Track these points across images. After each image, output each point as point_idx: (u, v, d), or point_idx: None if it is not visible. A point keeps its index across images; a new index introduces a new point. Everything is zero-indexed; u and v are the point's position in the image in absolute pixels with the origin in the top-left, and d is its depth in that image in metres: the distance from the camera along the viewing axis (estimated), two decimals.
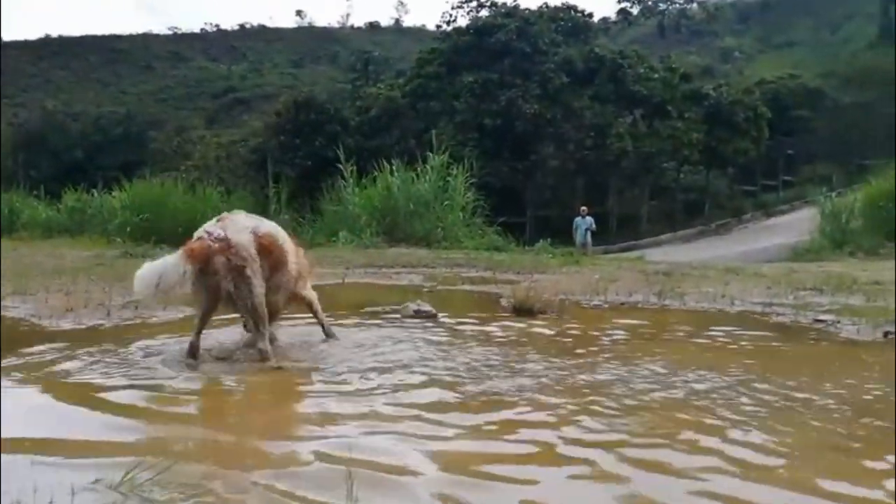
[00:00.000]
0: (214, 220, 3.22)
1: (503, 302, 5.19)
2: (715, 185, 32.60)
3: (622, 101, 27.64)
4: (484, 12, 32.42)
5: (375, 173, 16.46)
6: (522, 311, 4.69)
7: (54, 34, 78.95)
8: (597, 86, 27.40)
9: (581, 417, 2.26)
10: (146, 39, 78.45)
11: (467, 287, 6.54)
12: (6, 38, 76.52)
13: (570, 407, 2.38)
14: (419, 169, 16.32)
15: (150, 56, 74.02)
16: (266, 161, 26.31)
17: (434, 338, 3.67)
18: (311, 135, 26.20)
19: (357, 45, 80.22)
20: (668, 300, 5.39)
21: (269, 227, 3.25)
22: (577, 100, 26.34)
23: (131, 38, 78.22)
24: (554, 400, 2.48)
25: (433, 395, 2.56)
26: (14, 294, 5.04)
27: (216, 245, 2.95)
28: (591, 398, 2.51)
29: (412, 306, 4.53)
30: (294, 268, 3.29)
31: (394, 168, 16.25)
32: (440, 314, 4.46)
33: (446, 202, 15.71)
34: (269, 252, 3.09)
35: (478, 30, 28.39)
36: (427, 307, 4.51)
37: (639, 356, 3.21)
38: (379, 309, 4.69)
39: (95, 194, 19.07)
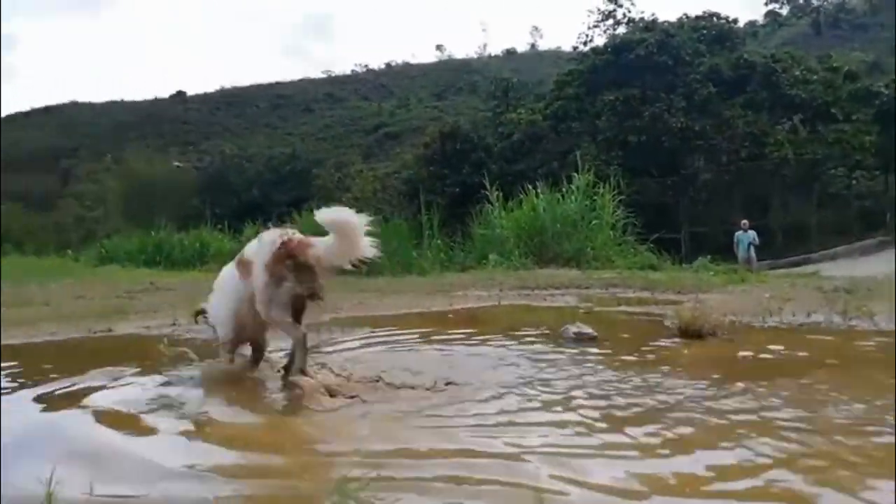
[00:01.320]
0: (255, 240, 3.36)
1: (667, 323, 5.07)
2: (886, 190, 29.19)
3: (777, 108, 25.81)
4: (621, 29, 31.91)
5: (521, 196, 16.72)
6: (689, 333, 4.55)
7: (228, 85, 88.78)
8: (748, 93, 25.85)
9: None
10: (304, 84, 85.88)
11: (625, 308, 6.48)
12: (191, 92, 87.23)
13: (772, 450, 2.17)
14: (564, 190, 16.35)
15: (309, 99, 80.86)
16: (418, 191, 27.59)
17: (598, 361, 3.70)
18: (457, 163, 27.12)
19: (495, 72, 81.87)
20: (855, 320, 4.99)
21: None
22: (728, 109, 24.96)
23: (292, 84, 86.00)
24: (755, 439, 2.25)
25: (612, 418, 2.58)
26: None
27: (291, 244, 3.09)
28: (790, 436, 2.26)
29: (571, 328, 4.57)
30: None
31: (538, 190, 16.42)
32: (600, 337, 4.48)
33: (594, 221, 15.55)
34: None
35: (616, 47, 28.02)
36: (587, 329, 4.54)
37: (824, 388, 2.97)
38: (536, 331, 4.79)
39: (271, 227, 21.03)
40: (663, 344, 4.27)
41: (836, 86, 25.54)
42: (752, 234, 19.17)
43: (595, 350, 4.11)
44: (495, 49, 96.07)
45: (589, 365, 3.55)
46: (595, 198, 15.85)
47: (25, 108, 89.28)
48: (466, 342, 4.35)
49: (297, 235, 3.24)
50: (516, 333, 4.64)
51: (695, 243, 24.82)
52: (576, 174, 16.11)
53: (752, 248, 19.05)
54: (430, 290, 8.65)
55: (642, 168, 25.62)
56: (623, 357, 3.77)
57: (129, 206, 42.83)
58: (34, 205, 50.23)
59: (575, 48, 36.22)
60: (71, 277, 13.67)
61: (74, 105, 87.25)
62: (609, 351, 4.00)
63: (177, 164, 46.59)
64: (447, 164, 27.63)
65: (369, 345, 4.41)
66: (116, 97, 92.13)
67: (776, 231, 26.01)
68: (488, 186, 16.99)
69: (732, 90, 25.84)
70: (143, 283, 11.11)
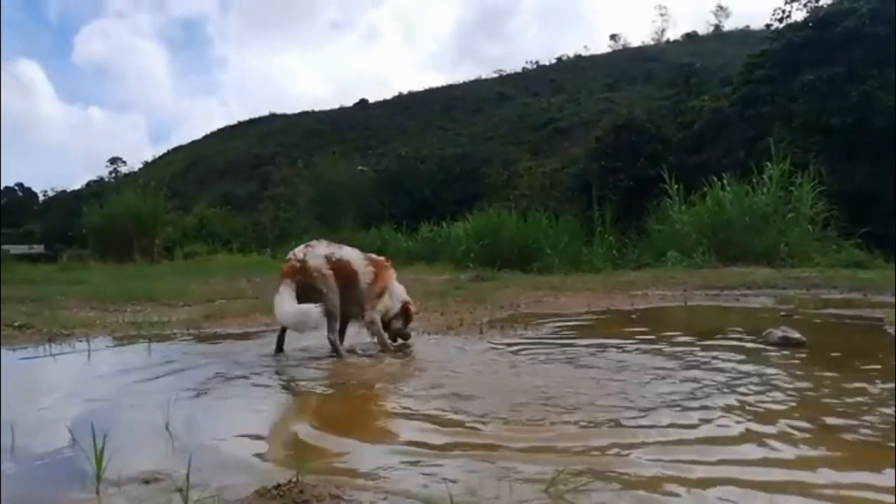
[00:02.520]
0: (303, 245, 4.06)
1: (888, 329, 4.47)
2: None
3: None
4: (824, 1, 28.43)
5: (704, 189, 15.63)
6: None
7: (405, 91, 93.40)
8: None
9: None
10: (475, 85, 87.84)
11: (833, 310, 5.79)
12: (372, 99, 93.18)
13: None
14: (754, 181, 15.01)
15: (479, 100, 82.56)
16: (588, 186, 26.96)
17: (812, 371, 3.31)
18: (631, 156, 26.05)
19: (674, 58, 77.57)
20: None
21: (343, 253, 4.04)
22: None
23: (463, 86, 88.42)
24: None
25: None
26: None
27: (298, 265, 3.86)
28: None
29: (777, 332, 4.17)
30: (366, 288, 4.05)
31: (724, 182, 15.23)
32: (810, 342, 4.04)
33: (790, 214, 14.10)
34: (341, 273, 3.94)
35: (819, 21, 25.03)
36: (795, 333, 4.12)
37: None
38: (736, 335, 4.42)
39: (444, 225, 21.80)
40: (883, 351, 3.74)
41: None
42: None
43: (802, 353, 3.72)
44: (674, 34, 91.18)
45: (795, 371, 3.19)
46: (791, 189, 14.40)
47: (232, 121, 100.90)
48: (663, 346, 4.12)
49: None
50: (709, 342, 4.31)
51: None
52: (768, 164, 14.73)
53: None
54: (608, 289, 8.39)
55: (847, 154, 22.77)
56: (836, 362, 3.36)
57: (318, 207, 46.47)
58: (237, 207, 56.37)
59: (768, 26, 32.92)
60: (271, 272, 15.16)
61: (272, 116, 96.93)
62: (817, 358, 3.58)
63: (360, 168, 49.70)
64: (620, 158, 26.63)
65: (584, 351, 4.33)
66: (307, 107, 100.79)
67: None
68: (666, 179, 16.10)
69: None
70: None
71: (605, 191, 25.61)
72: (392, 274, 4.39)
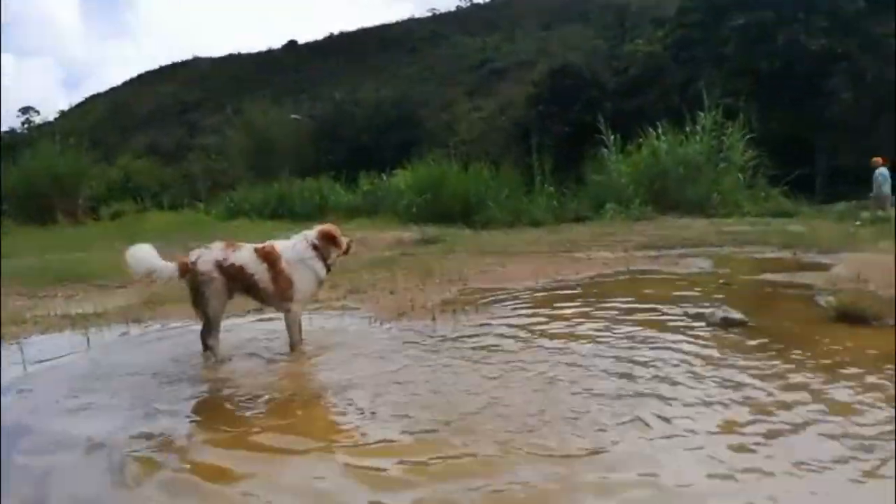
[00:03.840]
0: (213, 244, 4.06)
1: (821, 302, 4.69)
2: None
3: None
4: None
5: (640, 139, 15.88)
6: (849, 316, 4.19)
7: (336, 31, 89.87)
8: None
9: None
10: (410, 24, 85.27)
11: (767, 277, 6.05)
12: (301, 41, 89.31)
13: None
14: (688, 129, 15.36)
15: (413, 39, 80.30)
16: (527, 132, 26.94)
17: (758, 361, 3.43)
18: (568, 102, 26.08)
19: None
20: None
21: (236, 257, 3.97)
22: (879, 25, 22.02)
23: (398, 25, 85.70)
24: None
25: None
26: (351, 293, 5.99)
27: (189, 265, 3.90)
28: None
29: (718, 313, 4.31)
30: (267, 287, 4.01)
31: (660, 132, 15.51)
32: (750, 323, 4.20)
33: (722, 165, 14.57)
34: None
35: None
36: (736, 314, 4.25)
37: None
38: (680, 313, 4.56)
39: (384, 177, 21.47)
40: (826, 332, 3.90)
41: None
42: (886, 171, 16.37)
43: (742, 336, 3.87)
44: None
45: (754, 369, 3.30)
46: (723, 137, 14.83)
47: (153, 66, 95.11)
48: (608, 333, 4.21)
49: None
50: (657, 318, 4.44)
51: (832, 180, 22.76)
52: (700, 112, 15.05)
53: (888, 186, 16.23)
54: (552, 251, 8.51)
55: (773, 98, 23.48)
56: (788, 353, 3.48)
57: (250, 157, 44.95)
58: (164, 157, 53.81)
59: None
60: (209, 235, 14.64)
61: (196, 60, 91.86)
62: (760, 342, 3.73)
63: (294, 116, 48.02)
64: (557, 103, 26.63)
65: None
66: (233, 50, 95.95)
67: None
68: (603, 129, 16.24)
69: (885, 4, 22.75)
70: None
71: (542, 137, 25.68)
72: (290, 256, 4.09)
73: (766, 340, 3.80)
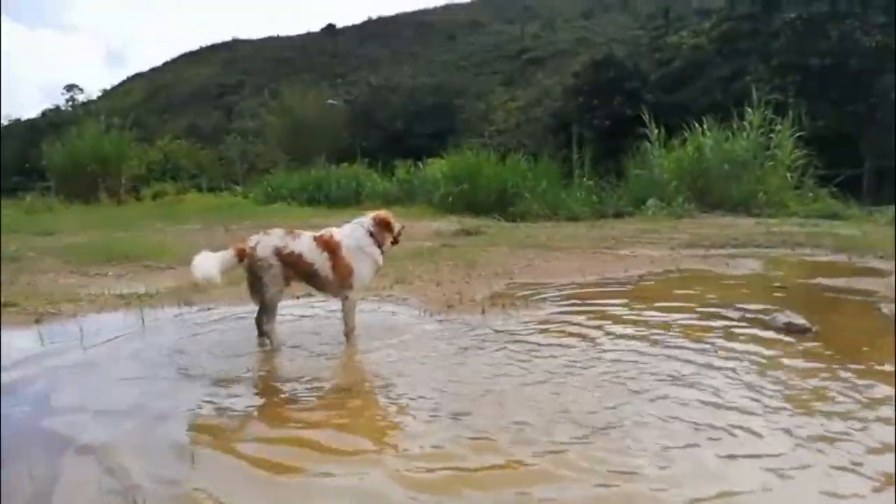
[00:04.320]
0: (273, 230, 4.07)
1: (884, 310, 4.54)
2: None
3: None
4: None
5: (685, 134, 15.54)
6: None
7: (374, 16, 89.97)
8: None
9: None
10: (448, 10, 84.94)
11: (824, 281, 5.87)
12: (340, 24, 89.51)
13: None
14: (735, 125, 14.97)
15: (451, 26, 79.96)
16: (565, 124, 26.61)
17: (830, 371, 3.31)
18: (609, 94, 25.66)
19: None
20: None
21: (295, 245, 3.98)
22: None
23: (436, 11, 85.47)
24: None
25: None
26: (397, 283, 5.99)
27: (248, 251, 3.93)
28: None
29: (781, 317, 4.21)
30: (327, 275, 4.03)
31: (705, 127, 15.14)
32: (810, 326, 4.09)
33: (769, 162, 14.18)
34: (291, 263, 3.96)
35: None
36: (799, 319, 4.15)
37: None
38: (737, 316, 4.45)
39: (420, 166, 21.44)
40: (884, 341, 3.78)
41: None
42: None
43: (810, 344, 3.75)
44: None
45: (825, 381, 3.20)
46: (770, 135, 14.42)
47: (193, 47, 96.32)
48: (666, 336, 4.12)
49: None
50: (716, 322, 4.33)
51: (879, 181, 22.05)
52: (748, 108, 14.64)
53: None
54: (595, 247, 8.40)
55: (822, 95, 22.78)
56: (859, 362, 3.36)
57: (287, 141, 45.32)
58: (203, 139, 54.53)
59: None
60: (250, 218, 14.82)
61: (235, 42, 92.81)
62: (833, 351, 3.61)
63: (330, 101, 48.20)
64: (597, 95, 26.22)
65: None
66: (273, 32, 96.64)
67: None
68: (647, 122, 15.92)
69: None
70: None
71: (581, 129, 25.32)
72: (349, 243, 4.10)
73: (832, 349, 3.69)
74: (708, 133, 14.97)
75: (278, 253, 3.97)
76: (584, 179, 17.35)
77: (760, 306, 4.66)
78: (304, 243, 4.04)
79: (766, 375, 3.24)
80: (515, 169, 17.77)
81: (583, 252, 7.99)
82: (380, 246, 4.24)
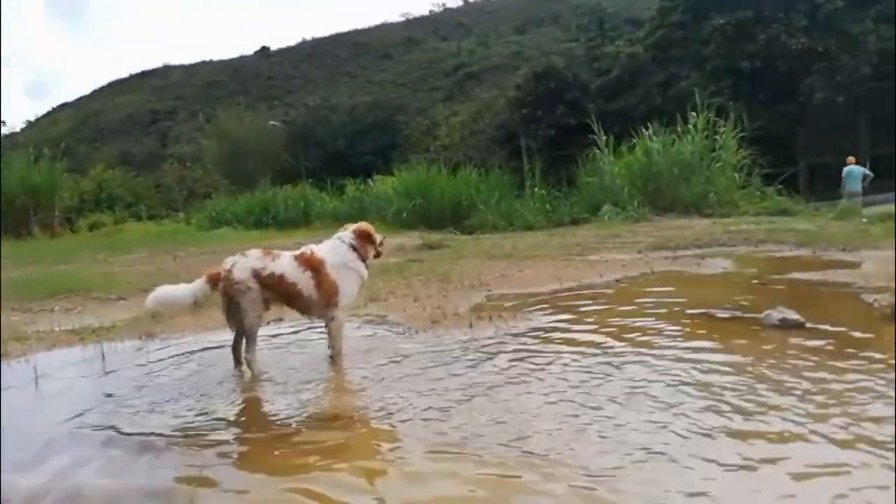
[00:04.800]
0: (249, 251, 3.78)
1: (872, 302, 4.55)
2: None
3: None
4: None
5: (633, 140, 15.82)
6: None
7: (308, 37, 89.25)
8: (880, 4, 23.00)
9: None
10: (382, 30, 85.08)
11: (797, 275, 5.92)
12: (274, 47, 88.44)
13: None
14: (679, 129, 15.34)
15: (387, 45, 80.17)
16: (510, 136, 26.87)
17: (841, 366, 3.23)
18: (551, 104, 26.04)
19: (580, 1, 77.93)
20: None
21: (275, 266, 3.69)
22: (856, 25, 22.39)
23: (370, 31, 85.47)
24: None
25: None
26: (371, 301, 5.71)
27: (223, 274, 3.64)
28: None
29: (775, 314, 4.15)
30: (311, 294, 3.74)
31: (651, 132, 15.46)
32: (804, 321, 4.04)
33: (716, 164, 14.55)
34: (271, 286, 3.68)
35: None
36: (793, 315, 4.10)
37: None
38: (727, 315, 4.39)
39: (371, 182, 21.19)
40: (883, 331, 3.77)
41: None
42: (859, 169, 17.05)
43: (812, 339, 3.70)
44: None
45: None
46: (716, 137, 14.82)
47: (123, 74, 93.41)
48: (665, 340, 4.00)
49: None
50: (711, 322, 4.25)
51: (813, 177, 23.04)
52: (692, 112, 15.03)
53: (860, 184, 16.85)
54: (563, 255, 8.32)
55: (753, 97, 23.72)
56: (864, 354, 3.30)
57: (226, 164, 44.29)
58: (137, 167, 52.73)
59: None
60: (195, 244, 14.21)
61: (167, 68, 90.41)
62: (834, 344, 3.55)
63: (272, 122, 47.39)
64: (540, 106, 26.59)
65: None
66: (204, 57, 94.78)
67: None
68: (596, 129, 16.15)
69: (862, 3, 23.16)
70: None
71: (527, 140, 25.58)
72: (332, 260, 3.83)
73: (833, 342, 3.64)
74: (654, 138, 15.29)
75: (257, 275, 3.67)
76: (536, 189, 17.49)
77: (746, 303, 4.64)
78: (284, 263, 3.75)
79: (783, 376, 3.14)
80: (468, 182, 17.78)
81: (552, 260, 7.89)
82: (363, 260, 3.99)
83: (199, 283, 3.68)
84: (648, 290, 5.75)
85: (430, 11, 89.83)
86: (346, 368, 3.77)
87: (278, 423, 2.99)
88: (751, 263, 6.79)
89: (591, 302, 5.18)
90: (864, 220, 10.02)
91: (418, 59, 76.88)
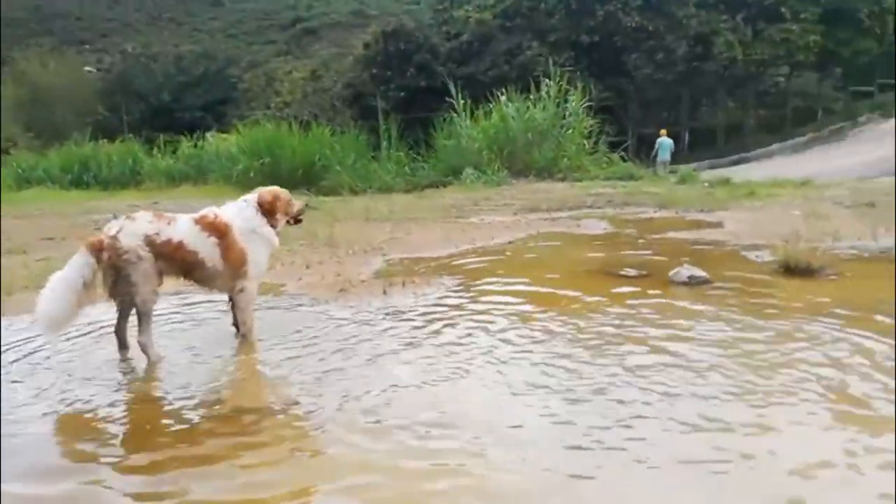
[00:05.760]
0: (138, 214, 3.18)
1: (755, 258, 4.90)
2: (819, 89, 30.16)
3: (729, 7, 25.40)
4: None
5: (484, 105, 15.97)
6: (794, 270, 4.38)
7: None
8: None
9: None
10: None
11: (674, 234, 6.27)
12: None
13: None
14: (532, 96, 15.75)
15: None
16: (358, 95, 26.07)
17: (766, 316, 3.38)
18: (401, 65, 25.61)
19: None
20: None
21: (172, 231, 3.13)
22: (681, 8, 24.45)
23: None
24: None
25: None
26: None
27: (107, 241, 3.02)
28: None
29: (683, 272, 4.31)
30: (215, 265, 3.21)
31: (507, 97, 15.71)
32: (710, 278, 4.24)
33: (568, 130, 15.16)
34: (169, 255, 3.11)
35: None
36: (699, 272, 4.29)
37: None
38: (635, 274, 4.48)
39: (210, 140, 19.50)
40: (793, 286, 4.03)
41: None
42: (669, 140, 20.77)
43: (717, 291, 3.88)
44: None
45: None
46: (566, 105, 15.40)
47: None
48: (592, 302, 3.96)
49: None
50: (627, 281, 4.30)
51: (640, 145, 25.02)
52: (546, 80, 15.46)
53: (669, 153, 20.63)
54: (443, 217, 8.16)
55: (592, 70, 25.10)
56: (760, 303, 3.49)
57: (26, 114, 38.73)
58: None
59: None
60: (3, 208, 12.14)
61: None
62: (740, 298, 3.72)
63: (88, 69, 42.03)
64: (390, 67, 26.04)
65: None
66: None
67: (718, 131, 26.57)
68: (454, 93, 16.08)
69: None
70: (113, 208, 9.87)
71: (374, 100, 24.97)
72: (240, 224, 3.30)
73: (747, 297, 3.83)
74: (510, 104, 15.56)
75: (150, 243, 3.05)
76: (392, 151, 17.17)
77: (647, 263, 4.78)
78: (182, 228, 3.16)
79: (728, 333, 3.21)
80: (321, 141, 16.96)
81: (434, 223, 7.70)
82: (274, 227, 3.49)
83: (81, 258, 3.00)
84: (545, 251, 5.78)
85: None
86: (261, 349, 3.29)
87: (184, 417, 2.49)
88: (626, 224, 7.09)
89: (495, 266, 5.06)
90: (706, 184, 10.94)
91: (253, 9, 71.78)
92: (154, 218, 3.14)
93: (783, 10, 24.64)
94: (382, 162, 16.90)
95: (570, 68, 21.17)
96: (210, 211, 3.30)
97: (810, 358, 2.80)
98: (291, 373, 2.92)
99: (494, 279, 4.53)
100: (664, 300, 3.80)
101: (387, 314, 3.75)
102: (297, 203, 3.67)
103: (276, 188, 3.62)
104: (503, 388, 2.60)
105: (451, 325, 3.46)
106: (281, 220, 3.55)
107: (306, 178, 15.90)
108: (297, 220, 3.69)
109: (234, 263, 3.26)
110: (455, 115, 16.24)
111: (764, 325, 3.27)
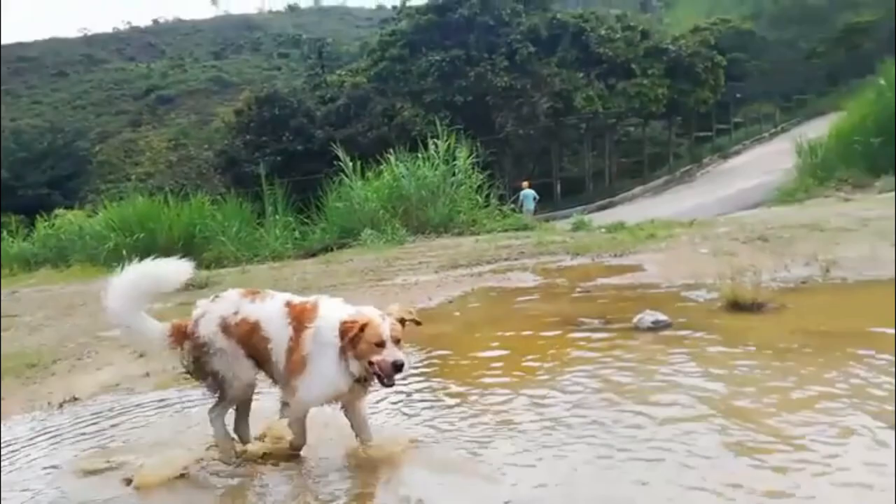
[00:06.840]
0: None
1: (697, 297, 5.10)
2: (668, 136, 33.54)
3: (587, 65, 27.75)
4: None
5: (374, 165, 16.01)
6: (740, 306, 4.59)
7: None
8: (561, 52, 27.43)
9: None
10: (54, 45, 73.46)
11: (604, 281, 6.42)
12: None
13: None
14: (420, 155, 16.00)
15: (61, 62, 69.44)
16: (232, 161, 25.19)
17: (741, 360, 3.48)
18: (276, 130, 25.20)
19: (278, 29, 77.65)
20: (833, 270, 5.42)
21: (251, 310, 2.69)
22: (545, 68, 26.28)
23: (37, 45, 73.11)
24: None
25: None
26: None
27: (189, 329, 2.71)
28: None
29: (647, 317, 4.38)
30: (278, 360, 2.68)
31: (397, 157, 15.84)
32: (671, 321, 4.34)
33: (461, 187, 15.46)
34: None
35: (439, 7, 27.71)
36: (662, 316, 4.37)
37: None
38: (598, 325, 4.50)
39: (72, 219, 17.94)
40: (745, 321, 4.22)
41: (634, 43, 28.17)
42: (532, 192, 22.04)
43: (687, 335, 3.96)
44: (277, 4, 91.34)
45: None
46: (455, 162, 15.73)
47: None
48: (566, 358, 3.89)
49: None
50: (593, 334, 4.29)
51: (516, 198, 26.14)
52: (434, 140, 15.77)
53: (534, 203, 21.86)
54: (362, 281, 7.87)
55: (466, 129, 26.10)
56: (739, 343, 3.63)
57: None
58: None
59: (394, 8, 35.02)
60: None
61: None
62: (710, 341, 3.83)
63: None
64: (265, 132, 25.52)
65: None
66: None
67: (586, 178, 28.40)
68: (341, 155, 15.97)
69: (547, 49, 27.19)
70: None
71: (250, 166, 24.26)
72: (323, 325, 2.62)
73: (715, 336, 3.95)
74: (400, 164, 15.69)
75: (225, 327, 2.62)
76: (280, 216, 16.63)
77: (600, 311, 4.84)
78: (267, 307, 2.68)
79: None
80: (201, 211, 16.15)
81: (358, 288, 7.39)
82: (345, 359, 2.63)
83: (159, 332, 2.75)
84: (493, 308, 5.69)
85: (115, 29, 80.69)
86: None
87: None
88: (552, 274, 7.18)
89: (447, 325, 4.89)
90: (603, 229, 11.43)
91: (101, 80, 68.22)
92: (240, 295, 2.70)
93: (633, 66, 27.29)
94: (269, 228, 16.33)
95: (447, 127, 21.93)
96: (314, 300, 2.74)
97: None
98: None
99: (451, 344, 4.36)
100: (651, 346, 3.82)
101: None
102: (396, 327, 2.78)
103: (370, 314, 2.75)
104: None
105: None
106: (356, 362, 2.62)
107: (186, 250, 14.90)
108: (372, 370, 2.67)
109: (289, 368, 2.65)
110: (345, 176, 16.09)
111: (758, 364, 3.34)
